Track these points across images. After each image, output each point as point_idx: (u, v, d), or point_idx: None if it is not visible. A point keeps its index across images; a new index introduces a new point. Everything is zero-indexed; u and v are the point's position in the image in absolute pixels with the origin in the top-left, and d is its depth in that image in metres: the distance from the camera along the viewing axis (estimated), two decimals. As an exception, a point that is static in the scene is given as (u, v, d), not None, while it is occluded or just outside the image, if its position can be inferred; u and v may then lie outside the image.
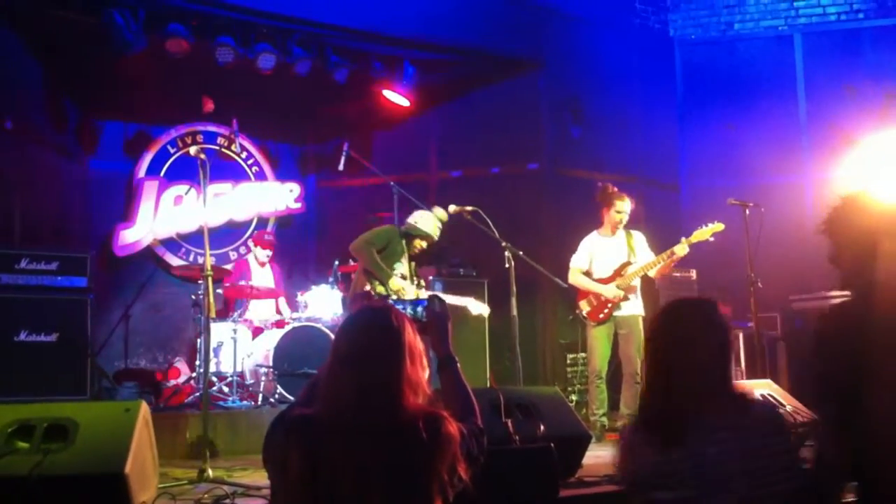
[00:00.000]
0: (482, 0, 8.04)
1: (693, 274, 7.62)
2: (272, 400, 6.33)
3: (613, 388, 6.00)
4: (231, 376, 6.48)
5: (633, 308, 5.92)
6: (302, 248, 8.87)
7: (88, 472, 3.10)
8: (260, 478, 3.97)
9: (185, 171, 8.07)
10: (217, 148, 8.54)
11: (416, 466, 1.94)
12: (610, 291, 5.86)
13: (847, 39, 8.71)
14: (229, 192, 8.47)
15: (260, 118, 8.35)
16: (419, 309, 2.43)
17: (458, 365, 2.31)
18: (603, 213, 6.06)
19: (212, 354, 6.48)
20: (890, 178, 7.61)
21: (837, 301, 2.44)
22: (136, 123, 8.24)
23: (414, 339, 2.08)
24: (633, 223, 6.13)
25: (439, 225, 5.93)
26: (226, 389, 6.47)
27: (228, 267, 7.49)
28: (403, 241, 5.82)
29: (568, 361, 7.43)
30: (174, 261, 8.08)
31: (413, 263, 5.94)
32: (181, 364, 7.41)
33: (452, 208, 5.62)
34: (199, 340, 6.32)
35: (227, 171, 8.53)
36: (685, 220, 7.81)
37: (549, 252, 6.85)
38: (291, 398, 5.90)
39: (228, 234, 8.49)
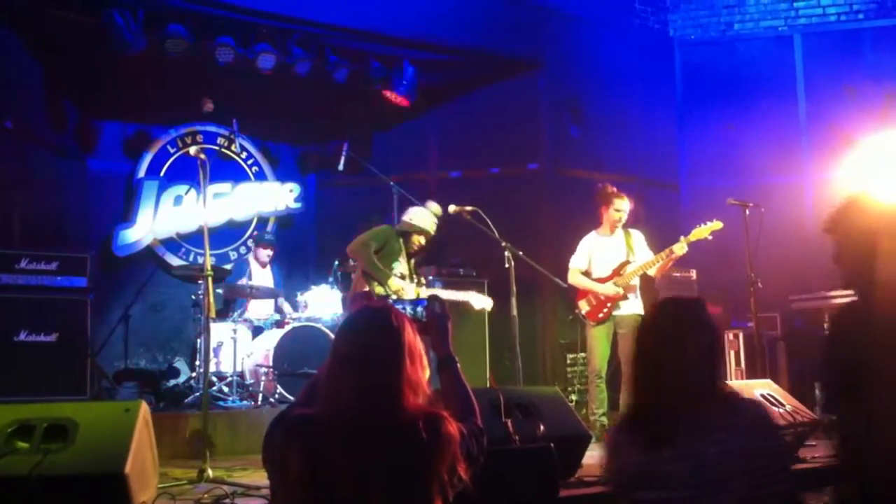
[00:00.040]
0: (482, 0, 8.04)
1: (693, 274, 7.62)
2: (272, 400, 6.34)
3: (613, 387, 5.99)
4: (231, 376, 6.48)
5: (633, 307, 5.92)
6: (302, 248, 8.87)
7: (88, 472, 3.10)
8: (260, 478, 3.97)
9: (185, 172, 8.08)
10: (217, 148, 8.53)
11: (416, 466, 1.95)
12: (609, 289, 5.86)
13: (847, 40, 8.71)
14: (229, 193, 8.47)
15: (260, 118, 8.36)
16: (419, 309, 2.43)
17: (458, 365, 2.31)
18: (601, 212, 6.06)
19: (212, 354, 6.49)
20: (890, 178, 7.61)
21: (847, 301, 2.45)
22: (136, 123, 8.23)
23: (414, 340, 2.09)
24: (632, 223, 6.14)
25: (434, 219, 5.91)
26: (226, 389, 6.47)
27: (228, 267, 7.50)
28: (401, 240, 5.81)
29: (568, 361, 7.43)
30: (174, 261, 8.08)
31: (412, 261, 5.92)
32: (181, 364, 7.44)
33: (452, 208, 5.61)
34: (198, 340, 6.33)
35: (227, 171, 8.52)
36: (685, 220, 7.80)
37: (549, 252, 6.84)
38: (291, 398, 5.90)
39: (228, 234, 8.49)
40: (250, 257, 7.59)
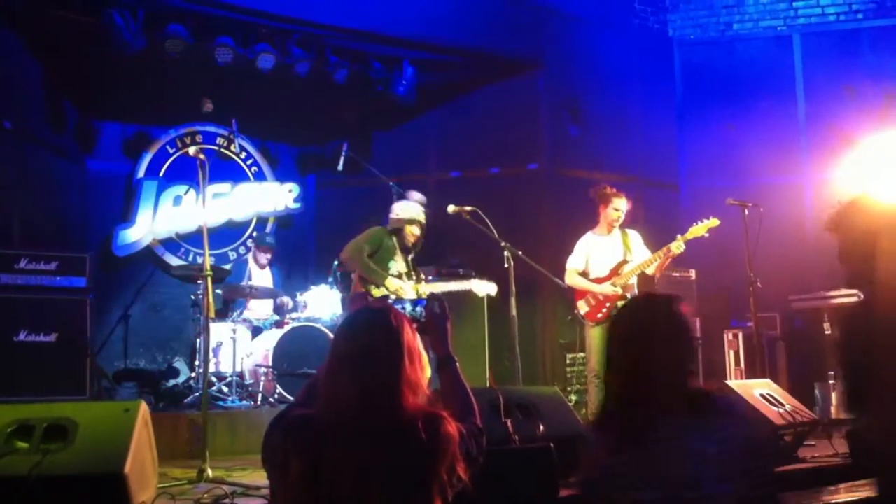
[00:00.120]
0: (482, 0, 8.04)
1: (692, 274, 7.62)
2: (272, 400, 6.34)
3: (613, 388, 5.98)
4: (230, 376, 6.49)
5: (632, 308, 5.90)
6: (301, 248, 8.87)
7: (88, 472, 3.10)
8: (259, 478, 3.97)
9: (185, 172, 8.08)
10: (216, 148, 8.53)
11: (415, 466, 1.95)
12: (607, 289, 5.86)
13: (846, 40, 8.71)
14: (228, 193, 8.47)
15: (259, 118, 8.35)
16: (418, 309, 2.43)
17: (458, 365, 2.31)
18: (599, 211, 6.05)
19: (211, 354, 6.49)
20: (890, 178, 7.61)
21: (854, 301, 2.44)
22: (136, 124, 8.23)
23: (413, 340, 2.09)
24: (632, 223, 6.13)
25: (420, 207, 5.87)
26: (225, 389, 6.47)
27: (227, 267, 7.50)
28: (394, 238, 5.77)
29: (567, 361, 7.43)
30: (173, 261, 8.08)
31: (410, 258, 5.89)
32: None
33: (452, 208, 5.60)
34: (198, 340, 6.32)
35: (227, 171, 8.52)
36: (685, 221, 7.77)
37: (549, 252, 6.84)
38: (291, 398, 5.90)
39: (228, 234, 8.49)
40: (249, 258, 7.59)
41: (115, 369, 7.45)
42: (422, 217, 5.83)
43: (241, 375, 6.66)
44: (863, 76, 8.42)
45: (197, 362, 6.50)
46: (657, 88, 8.83)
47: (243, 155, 8.69)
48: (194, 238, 8.17)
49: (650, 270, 5.94)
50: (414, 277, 5.79)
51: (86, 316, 5.88)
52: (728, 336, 7.28)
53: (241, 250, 8.47)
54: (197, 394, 6.11)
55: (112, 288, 7.71)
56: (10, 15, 6.48)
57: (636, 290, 5.98)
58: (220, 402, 6.31)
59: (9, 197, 6.52)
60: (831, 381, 6.57)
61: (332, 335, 5.33)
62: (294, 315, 6.90)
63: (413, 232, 5.80)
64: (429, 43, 7.70)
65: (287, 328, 6.64)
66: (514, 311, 5.33)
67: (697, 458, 1.97)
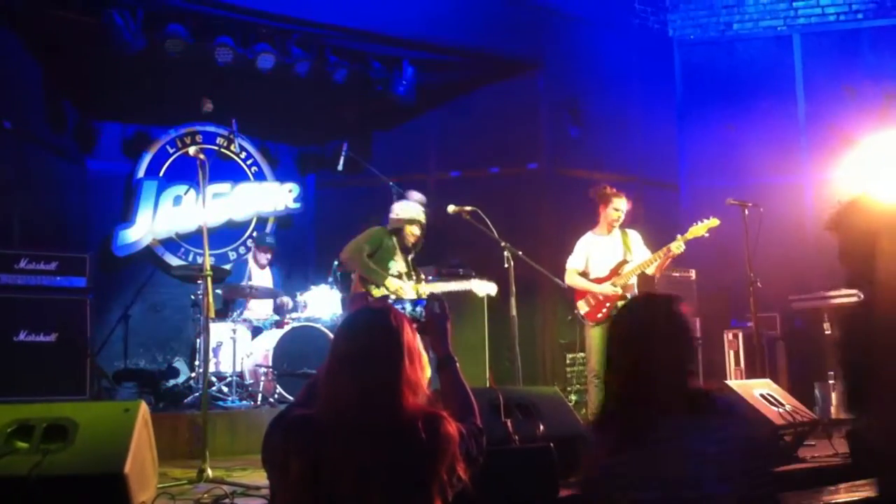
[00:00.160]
0: (482, 0, 8.04)
1: (692, 274, 7.63)
2: (271, 400, 6.34)
3: (613, 388, 5.98)
4: (230, 376, 6.49)
5: (632, 308, 5.90)
6: (301, 248, 8.87)
7: (88, 472, 3.10)
8: (259, 478, 3.97)
9: (185, 172, 8.08)
10: (216, 148, 8.53)
11: (415, 466, 1.95)
12: (607, 289, 5.86)
13: (846, 40, 8.71)
14: (228, 193, 8.47)
15: (259, 118, 8.35)
16: (418, 309, 2.44)
17: (458, 365, 2.31)
18: (599, 211, 6.05)
19: (211, 354, 6.49)
20: (890, 178, 7.61)
21: (854, 301, 2.45)
22: (136, 124, 8.23)
23: (413, 340, 2.09)
24: (632, 223, 6.13)
25: (420, 207, 5.87)
26: (225, 389, 6.47)
27: (227, 267, 7.50)
28: (394, 238, 5.77)
29: (567, 361, 7.43)
30: (173, 261, 8.08)
31: (410, 258, 5.89)
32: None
33: (452, 208, 5.60)
34: (198, 340, 6.32)
35: (227, 171, 8.52)
36: (685, 221, 7.78)
37: (549, 252, 6.84)
38: (291, 398, 5.90)
39: (228, 234, 8.49)
40: (249, 258, 7.59)
41: (115, 369, 7.45)
42: (422, 217, 5.84)
43: (241, 375, 6.66)
44: (863, 76, 8.42)
45: (197, 362, 6.50)
46: (657, 88, 8.83)
47: (243, 155, 8.69)
48: (194, 238, 8.17)
49: (650, 270, 5.94)
50: (414, 277, 5.79)
51: (86, 316, 5.88)
52: (728, 336, 7.28)
53: (241, 250, 8.47)
54: (197, 394, 6.11)
55: (112, 288, 7.71)
56: (10, 15, 6.48)
57: (636, 290, 5.98)
58: (220, 402, 6.31)
59: (9, 197, 6.52)
60: (831, 381, 6.57)
61: (332, 335, 5.33)
62: (294, 315, 6.90)
63: (413, 232, 5.80)
64: (429, 43, 7.70)
65: (287, 328, 6.64)
66: (514, 311, 5.33)
67: (697, 458, 1.97)
